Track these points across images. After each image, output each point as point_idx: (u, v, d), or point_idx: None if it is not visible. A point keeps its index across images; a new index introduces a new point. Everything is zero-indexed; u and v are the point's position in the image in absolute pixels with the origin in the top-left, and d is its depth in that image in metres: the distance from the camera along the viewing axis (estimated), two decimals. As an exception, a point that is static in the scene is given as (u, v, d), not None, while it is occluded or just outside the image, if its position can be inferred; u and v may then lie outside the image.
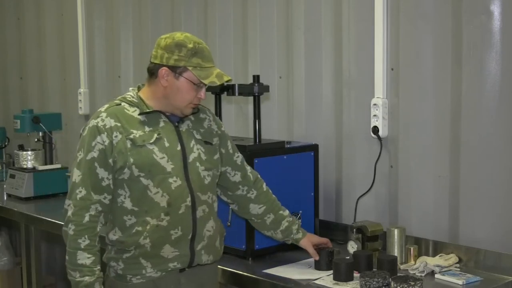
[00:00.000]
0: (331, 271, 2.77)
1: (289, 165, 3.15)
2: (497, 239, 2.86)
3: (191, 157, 2.56)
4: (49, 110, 5.35)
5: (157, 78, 2.51)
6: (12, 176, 4.52)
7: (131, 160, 2.46)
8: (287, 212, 2.90)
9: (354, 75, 3.35)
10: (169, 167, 2.50)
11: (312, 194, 3.25)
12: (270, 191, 2.88)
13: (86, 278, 2.44)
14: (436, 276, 2.76)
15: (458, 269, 2.84)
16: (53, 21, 5.40)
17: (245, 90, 3.20)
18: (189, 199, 2.53)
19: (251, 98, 3.32)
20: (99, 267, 2.48)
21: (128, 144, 2.47)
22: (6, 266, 5.08)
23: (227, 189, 2.81)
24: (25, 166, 4.51)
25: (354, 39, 3.33)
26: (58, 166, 4.60)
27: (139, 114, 2.53)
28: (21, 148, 4.67)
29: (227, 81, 2.53)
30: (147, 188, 2.48)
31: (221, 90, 3.24)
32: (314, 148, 3.28)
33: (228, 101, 3.87)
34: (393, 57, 3.17)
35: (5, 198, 4.53)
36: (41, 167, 4.51)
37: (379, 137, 3.21)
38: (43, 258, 4.74)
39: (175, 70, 2.48)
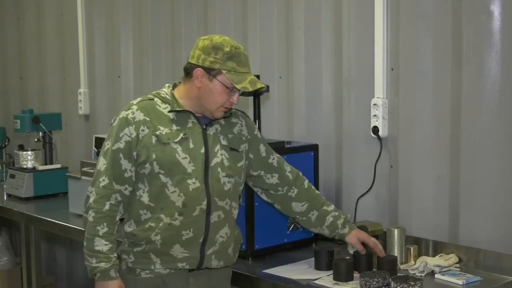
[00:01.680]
0: (331, 271, 2.77)
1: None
2: (497, 239, 2.86)
3: (213, 161, 2.55)
4: (49, 110, 5.34)
5: (192, 78, 2.52)
6: (12, 176, 4.52)
7: (154, 156, 2.48)
8: (332, 207, 2.83)
9: (354, 75, 3.35)
10: (190, 168, 2.51)
11: (312, 194, 3.24)
12: (313, 187, 2.86)
13: (102, 264, 2.47)
14: (436, 276, 2.76)
15: (458, 269, 2.84)
16: (53, 21, 5.39)
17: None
18: (205, 202, 2.53)
19: (251, 98, 3.32)
20: (115, 255, 2.51)
21: (153, 140, 2.49)
22: (6, 266, 5.08)
23: (267, 190, 2.80)
24: (25, 166, 4.51)
25: (354, 39, 3.33)
26: (58, 166, 4.59)
27: (169, 111, 2.54)
28: (21, 148, 4.66)
29: (260, 89, 2.53)
30: (165, 186, 2.50)
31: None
32: (314, 148, 3.28)
33: (228, 101, 3.86)
34: (393, 57, 3.17)
35: (5, 198, 4.52)
36: (41, 167, 4.50)
37: (379, 137, 3.21)
38: (43, 258, 4.74)
39: (210, 72, 2.49)
